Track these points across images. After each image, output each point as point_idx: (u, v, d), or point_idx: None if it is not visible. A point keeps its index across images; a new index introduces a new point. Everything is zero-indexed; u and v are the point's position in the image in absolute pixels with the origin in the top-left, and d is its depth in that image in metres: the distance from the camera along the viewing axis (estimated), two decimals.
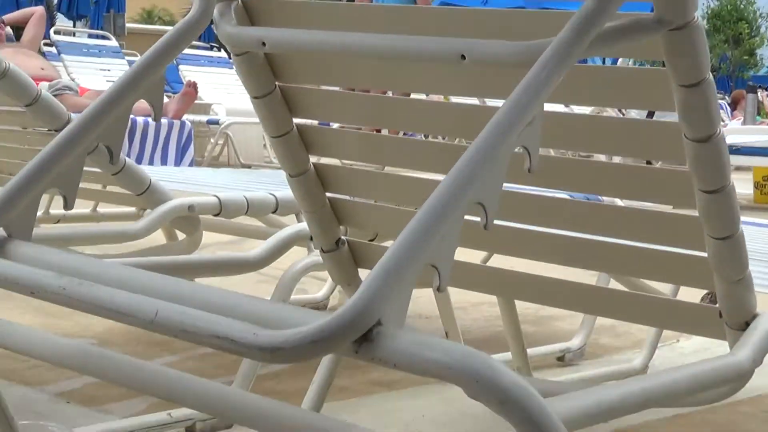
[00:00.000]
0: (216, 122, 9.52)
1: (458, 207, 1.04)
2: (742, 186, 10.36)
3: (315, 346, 0.94)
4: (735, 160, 8.53)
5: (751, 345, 1.32)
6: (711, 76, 1.24)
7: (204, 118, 9.26)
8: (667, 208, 1.49)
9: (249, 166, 9.39)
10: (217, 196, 2.10)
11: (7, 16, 10.10)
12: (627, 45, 1.21)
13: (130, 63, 10.99)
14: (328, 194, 1.71)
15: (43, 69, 9.08)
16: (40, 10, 10.16)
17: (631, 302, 1.56)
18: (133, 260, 1.65)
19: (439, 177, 1.69)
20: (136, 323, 1.04)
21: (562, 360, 2.91)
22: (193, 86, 8.49)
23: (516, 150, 1.11)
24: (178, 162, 8.35)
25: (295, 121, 1.65)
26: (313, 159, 1.68)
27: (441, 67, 1.44)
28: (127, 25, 21.41)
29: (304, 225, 1.88)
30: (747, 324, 1.39)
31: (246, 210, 2.15)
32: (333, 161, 1.68)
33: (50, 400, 2.20)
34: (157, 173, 2.52)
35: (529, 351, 2.72)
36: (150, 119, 8.62)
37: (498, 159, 1.07)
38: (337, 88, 1.73)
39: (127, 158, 2.04)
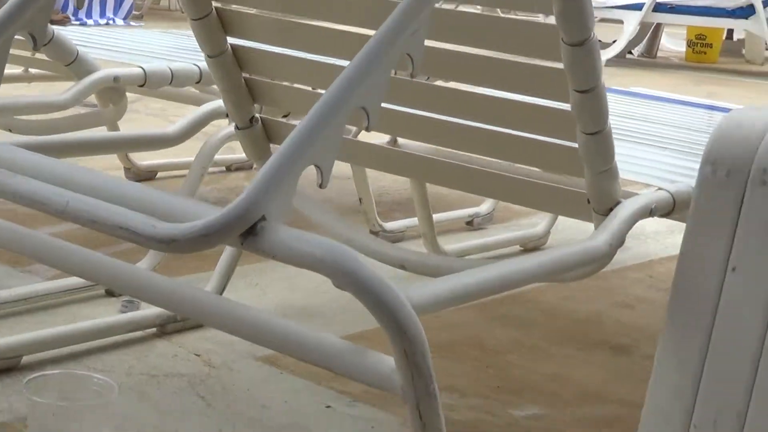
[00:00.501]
0: None
1: (341, 112, 1.17)
2: (677, 44, 10.54)
3: (206, 238, 1.09)
4: (670, 18, 8.68)
5: (609, 230, 1.48)
6: None
7: None
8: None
9: None
10: (141, 67, 2.21)
11: None
12: None
13: None
14: (243, 74, 1.83)
15: None
16: None
17: (514, 185, 1.71)
18: (59, 138, 1.77)
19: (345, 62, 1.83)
20: (49, 212, 1.17)
21: (471, 224, 3.09)
22: None
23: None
24: (116, 11, 8.31)
25: (214, 4, 1.75)
26: (231, 41, 1.79)
27: None
28: None
29: (221, 102, 1.99)
30: (611, 210, 1.55)
31: (170, 81, 2.26)
32: (249, 43, 1.79)
33: None
34: (85, 38, 2.61)
35: (440, 215, 2.90)
36: None
37: (381, 67, 1.20)
38: None
39: (54, 29, 2.13)
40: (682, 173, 1.74)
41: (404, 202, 3.25)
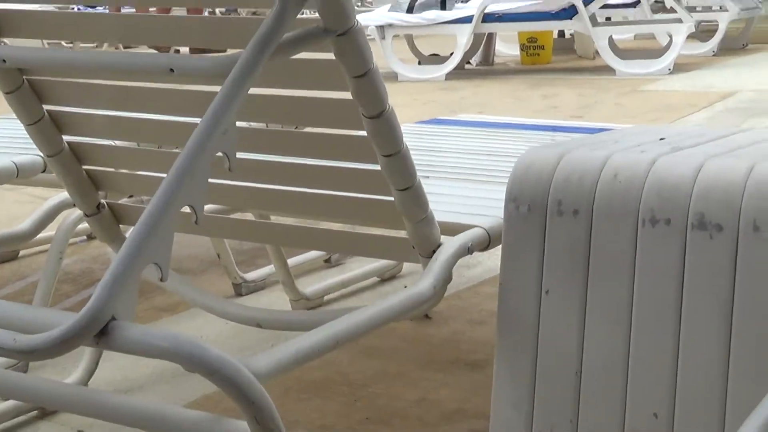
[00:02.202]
0: None
1: (169, 214, 1.31)
2: (512, 48, 10.88)
3: (64, 344, 1.22)
4: (500, 27, 8.99)
5: (432, 274, 1.65)
6: (375, 65, 1.53)
7: None
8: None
9: None
10: None
11: None
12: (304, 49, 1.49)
13: None
14: (84, 167, 1.95)
15: None
16: None
17: (344, 238, 1.87)
18: None
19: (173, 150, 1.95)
20: None
21: (329, 262, 3.25)
22: None
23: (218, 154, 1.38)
24: None
25: (46, 107, 1.87)
26: (67, 138, 1.91)
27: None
28: None
29: (67, 195, 2.11)
30: (434, 252, 1.72)
31: (17, 174, 2.36)
32: (86, 139, 1.91)
33: None
34: None
35: (297, 258, 3.05)
36: None
37: (199, 168, 1.35)
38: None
39: None
40: (499, 206, 1.92)
41: (264, 248, 3.38)
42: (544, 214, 1.64)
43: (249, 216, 2.37)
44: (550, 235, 1.63)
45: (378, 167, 1.63)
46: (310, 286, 2.87)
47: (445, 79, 8.99)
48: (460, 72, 9.40)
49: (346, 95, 1.55)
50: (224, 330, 2.63)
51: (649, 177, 1.58)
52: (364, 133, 1.58)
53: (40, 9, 1.85)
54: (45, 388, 1.39)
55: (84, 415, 1.38)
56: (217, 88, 1.40)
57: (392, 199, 1.67)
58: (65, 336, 1.22)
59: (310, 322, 1.56)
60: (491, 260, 3.30)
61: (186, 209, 1.33)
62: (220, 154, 1.39)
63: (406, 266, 3.19)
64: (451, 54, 9.09)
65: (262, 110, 1.70)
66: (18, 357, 1.23)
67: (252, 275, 2.99)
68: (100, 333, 1.24)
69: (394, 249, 1.81)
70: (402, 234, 1.75)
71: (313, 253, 3.21)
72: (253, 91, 1.47)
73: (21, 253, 3.42)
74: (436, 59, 9.56)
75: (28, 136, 2.62)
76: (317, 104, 1.65)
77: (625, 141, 1.76)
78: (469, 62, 9.97)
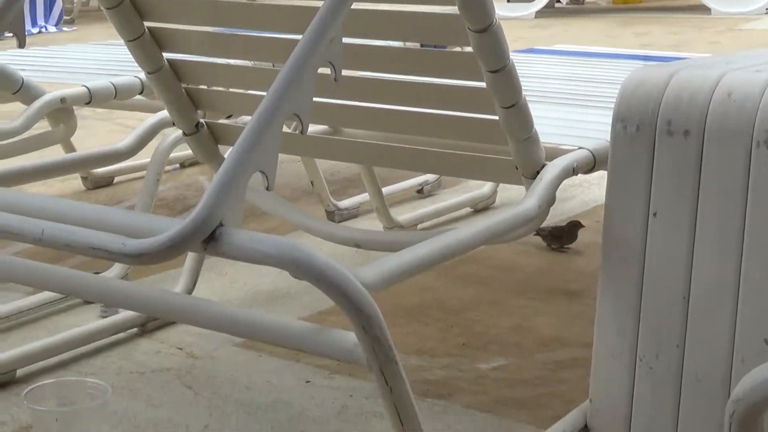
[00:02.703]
0: None
1: (277, 120, 1.30)
2: None
3: (172, 249, 1.21)
4: None
5: (536, 194, 1.61)
6: None
7: None
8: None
9: None
10: (86, 86, 2.32)
11: None
12: None
13: None
14: (183, 85, 1.94)
15: None
16: None
17: (449, 159, 1.84)
18: (20, 166, 1.88)
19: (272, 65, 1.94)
20: (26, 241, 1.29)
21: (421, 192, 3.22)
22: None
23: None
24: (47, 18, 8.33)
25: (147, 24, 1.86)
26: (167, 56, 1.90)
27: None
28: None
29: (165, 112, 2.11)
30: (538, 173, 1.69)
31: (114, 95, 2.37)
32: (185, 56, 1.90)
33: None
34: (26, 62, 2.70)
35: (391, 188, 3.04)
36: None
37: (305, 77, 1.33)
38: None
39: None
40: (603, 129, 1.87)
41: (356, 178, 3.37)
42: (652, 134, 1.59)
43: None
44: (658, 156, 1.59)
45: (484, 85, 1.60)
46: (403, 214, 2.86)
47: (535, 17, 8.86)
48: (550, 10, 9.26)
49: (453, 9, 1.52)
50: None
51: (765, 97, 1.52)
52: (470, 49, 1.55)
53: None
54: (157, 297, 1.40)
55: (193, 324, 1.38)
56: (319, 3, 1.38)
57: (497, 117, 1.64)
58: (174, 240, 1.21)
59: (410, 242, 1.54)
60: (585, 194, 3.26)
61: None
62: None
63: (499, 198, 3.15)
64: None
65: (369, 26, 1.66)
66: (126, 261, 1.23)
67: (345, 203, 2.98)
68: (207, 239, 1.23)
69: (498, 170, 1.78)
70: (505, 156, 1.72)
71: (406, 183, 3.19)
72: (359, 6, 1.45)
73: (116, 179, 3.44)
74: None
75: (125, 60, 2.64)
76: (423, 18, 1.61)
77: (738, 62, 1.70)
78: (559, 0, 9.81)
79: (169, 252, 1.22)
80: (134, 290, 1.41)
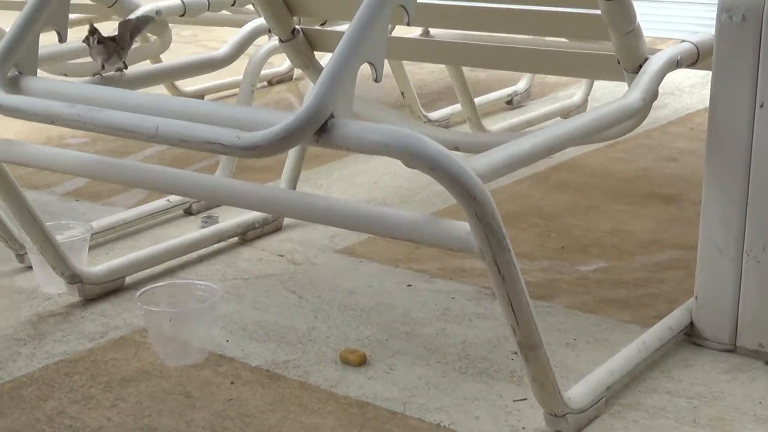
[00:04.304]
0: None
1: (384, 11, 1.29)
2: None
3: (285, 141, 1.22)
4: None
5: (641, 86, 1.59)
6: None
7: None
8: None
9: None
10: None
11: None
12: None
13: None
14: None
15: None
16: None
17: (547, 57, 1.83)
18: (118, 75, 1.90)
19: None
20: (141, 138, 1.31)
21: (511, 103, 3.20)
22: None
23: None
24: None
25: None
26: None
27: None
28: None
29: (262, 20, 2.11)
30: (640, 67, 1.66)
31: (207, 7, 2.37)
32: None
33: (60, 200, 2.49)
34: None
35: (480, 99, 3.02)
36: None
37: None
38: None
39: None
40: (705, 24, 1.84)
41: (443, 91, 3.36)
42: (759, 23, 1.55)
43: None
44: (765, 46, 1.55)
45: None
46: (494, 124, 2.84)
47: None
48: None
49: None
50: None
51: None
52: None
53: None
54: (270, 193, 1.41)
55: (307, 219, 1.40)
56: None
57: (599, 11, 1.62)
58: (287, 132, 1.22)
59: (508, 140, 1.53)
60: (679, 102, 3.21)
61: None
62: None
63: (591, 108, 3.12)
64: None
65: None
66: (240, 154, 1.24)
67: (436, 114, 2.97)
68: (319, 130, 1.24)
69: (597, 66, 1.75)
70: (607, 51, 1.70)
71: (495, 94, 3.17)
72: None
73: (205, 98, 3.46)
74: None
75: None
76: None
77: None
78: None
79: (282, 143, 1.23)
80: (247, 188, 1.42)
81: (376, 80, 1.30)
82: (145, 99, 1.41)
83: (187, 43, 4.49)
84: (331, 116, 1.24)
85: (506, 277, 1.26)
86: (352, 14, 1.49)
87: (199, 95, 3.43)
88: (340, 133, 1.23)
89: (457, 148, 1.94)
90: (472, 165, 1.23)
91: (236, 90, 3.37)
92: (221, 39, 4.46)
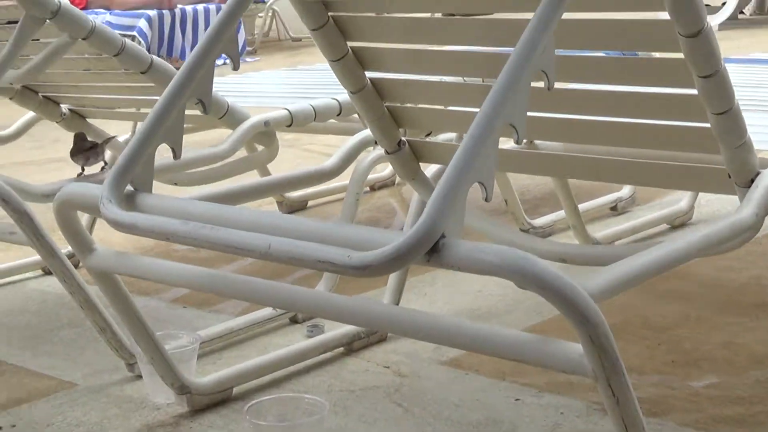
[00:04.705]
0: (262, 0, 9.67)
1: (494, 131, 1.30)
2: None
3: (396, 261, 1.22)
4: None
5: (753, 201, 1.56)
6: None
7: None
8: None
9: (299, 40, 9.62)
10: (287, 109, 2.37)
11: None
12: None
13: None
14: (385, 103, 1.97)
15: None
16: None
17: (654, 170, 1.81)
18: (229, 188, 1.94)
19: (475, 80, 1.94)
20: (254, 256, 1.33)
21: (616, 209, 3.18)
22: None
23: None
24: None
25: (350, 44, 1.89)
26: (369, 75, 1.93)
27: None
28: None
29: (368, 132, 2.13)
30: (752, 181, 1.64)
31: (314, 117, 2.41)
32: (388, 75, 1.92)
33: (168, 306, 2.52)
34: (224, 88, 2.78)
35: (584, 205, 3.00)
36: (200, 7, 8.82)
37: (521, 86, 1.32)
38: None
39: None
40: None
41: (547, 196, 3.35)
42: None
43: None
44: None
45: (693, 91, 1.56)
46: (598, 232, 2.82)
47: (719, 29, 8.66)
48: (733, 22, 9.02)
49: (663, 15, 1.49)
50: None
51: None
52: (678, 55, 1.52)
53: None
54: (375, 309, 1.41)
55: (412, 336, 1.39)
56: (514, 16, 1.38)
57: (708, 125, 1.60)
58: (398, 252, 1.22)
59: (619, 255, 1.51)
60: None
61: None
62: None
63: (697, 214, 3.08)
64: (723, 4, 8.73)
65: (574, 35, 1.65)
66: (351, 273, 1.24)
67: (539, 221, 2.96)
68: (430, 250, 1.24)
69: (706, 179, 1.73)
70: (716, 165, 1.68)
71: (599, 200, 3.15)
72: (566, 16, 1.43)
73: (309, 203, 3.51)
74: (708, 9, 9.21)
75: (318, 83, 2.69)
76: (630, 26, 1.59)
77: None
78: (742, 12, 9.56)
79: (393, 264, 1.23)
80: (349, 303, 1.43)
81: (486, 200, 1.31)
82: (256, 216, 1.43)
83: (289, 147, 4.56)
84: (442, 236, 1.24)
85: (620, 399, 1.24)
86: (458, 126, 1.51)
87: (303, 200, 3.47)
88: (452, 253, 1.23)
89: (564, 260, 1.93)
90: (584, 286, 1.21)
91: (340, 195, 3.42)
92: (325, 143, 4.54)
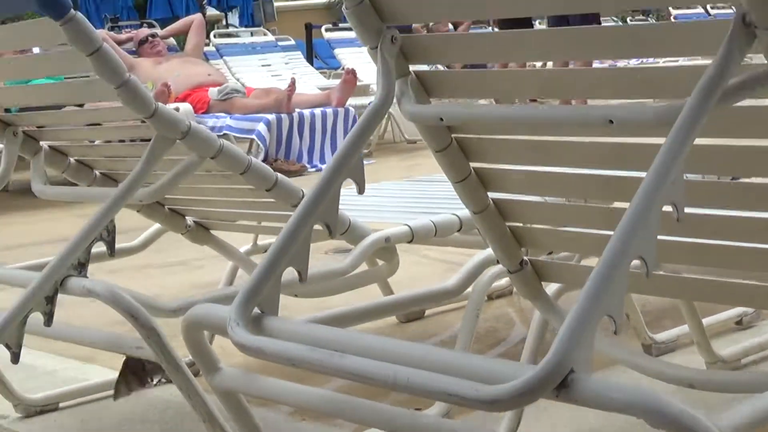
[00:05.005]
0: None
1: (624, 263, 1.29)
2: None
3: (525, 396, 1.22)
4: None
5: None
6: None
7: (366, 100, 9.46)
8: None
9: (414, 142, 9.72)
10: (408, 225, 2.39)
11: (166, 30, 10.63)
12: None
13: (284, 48, 11.42)
14: (507, 223, 1.97)
15: (210, 75, 9.58)
16: (198, 18, 10.67)
17: None
18: (351, 308, 1.96)
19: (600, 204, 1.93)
20: (380, 385, 1.33)
21: (741, 324, 3.11)
22: (352, 73, 8.83)
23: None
24: None
25: (472, 165, 1.91)
26: (492, 195, 1.94)
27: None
28: (276, 4, 21.88)
29: (490, 251, 2.14)
30: None
31: (434, 233, 2.43)
32: (510, 195, 1.93)
33: (287, 419, 2.54)
34: (346, 200, 2.82)
35: (709, 319, 2.94)
36: (317, 111, 8.97)
37: (651, 218, 1.32)
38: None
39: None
40: None
41: (669, 308, 3.29)
42: None
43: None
44: None
45: None
46: (724, 348, 2.76)
47: None
48: None
49: None
50: None
51: None
52: None
53: (461, 70, 1.93)
54: None
55: None
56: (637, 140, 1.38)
57: None
58: (527, 387, 1.22)
59: (750, 383, 1.48)
60: None
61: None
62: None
63: None
64: None
65: (699, 160, 1.64)
66: (479, 407, 1.24)
67: (662, 336, 2.91)
68: (559, 385, 1.23)
69: None
70: None
71: (723, 314, 3.09)
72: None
73: (426, 312, 3.51)
74: None
75: (438, 197, 2.71)
76: (759, 153, 1.58)
77: None
78: None
79: (522, 399, 1.22)
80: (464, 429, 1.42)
81: (615, 332, 1.30)
82: (383, 343, 1.44)
83: (406, 252, 4.57)
84: (571, 371, 1.23)
85: None
86: (581, 248, 1.50)
87: (421, 309, 3.48)
88: (581, 389, 1.22)
89: (692, 386, 1.89)
90: (718, 425, 1.19)
91: (458, 304, 3.41)
92: (440, 249, 4.54)
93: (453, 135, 1.85)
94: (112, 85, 2.01)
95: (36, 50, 4.61)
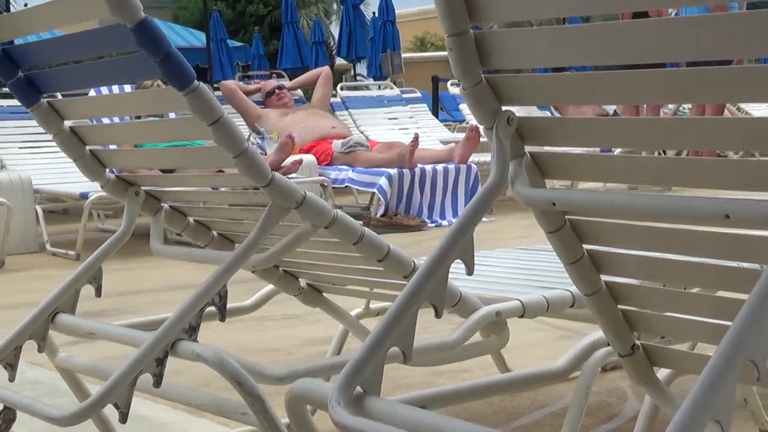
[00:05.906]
0: None
1: (733, 370, 1.25)
2: None
3: None
4: None
5: None
6: None
7: (489, 157, 9.41)
8: None
9: None
10: (520, 300, 2.37)
11: (293, 82, 10.81)
12: None
13: (410, 101, 11.51)
14: (620, 307, 1.94)
15: (334, 127, 9.71)
16: (326, 70, 10.83)
17: None
18: (459, 386, 1.94)
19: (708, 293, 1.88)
20: None
21: None
22: (476, 130, 8.85)
23: None
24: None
25: (585, 247, 1.88)
26: (605, 278, 1.91)
27: None
28: (403, 55, 22.06)
29: (600, 333, 2.10)
30: None
31: (546, 309, 2.40)
32: (623, 279, 1.90)
33: None
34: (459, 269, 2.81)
35: None
36: (439, 167, 9.00)
37: (764, 324, 1.28)
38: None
39: None
40: None
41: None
42: None
43: None
44: None
45: None
46: None
47: None
48: None
49: None
50: None
51: None
52: None
53: (579, 153, 1.90)
54: None
55: None
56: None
57: None
58: None
59: None
60: None
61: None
62: None
63: None
64: None
65: None
66: None
67: None
68: None
69: None
70: None
71: None
72: None
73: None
74: None
75: (552, 269, 2.69)
76: None
77: None
78: None
79: None
80: None
81: None
82: None
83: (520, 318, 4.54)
84: None
85: None
86: (694, 335, 1.46)
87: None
88: None
89: None
90: None
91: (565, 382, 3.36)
92: (546, 321, 4.48)
93: (566, 216, 1.83)
94: (230, 154, 2.05)
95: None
